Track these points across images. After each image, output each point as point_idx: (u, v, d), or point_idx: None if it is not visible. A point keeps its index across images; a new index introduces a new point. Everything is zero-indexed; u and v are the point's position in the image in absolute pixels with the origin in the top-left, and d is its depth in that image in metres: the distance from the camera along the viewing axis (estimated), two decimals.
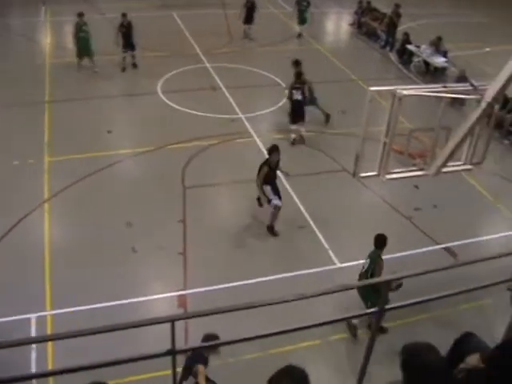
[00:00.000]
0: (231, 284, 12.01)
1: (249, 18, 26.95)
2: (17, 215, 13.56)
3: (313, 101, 18.75)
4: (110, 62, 22.18)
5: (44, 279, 11.86)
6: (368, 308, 9.74)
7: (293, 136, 17.76)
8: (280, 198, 13.71)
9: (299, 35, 27.71)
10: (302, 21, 27.67)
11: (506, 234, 14.60)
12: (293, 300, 4.77)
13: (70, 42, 22.57)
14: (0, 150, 16.48)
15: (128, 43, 21.91)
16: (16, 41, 25.21)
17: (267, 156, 13.64)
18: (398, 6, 26.57)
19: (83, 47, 21.34)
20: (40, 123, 18.02)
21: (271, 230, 13.87)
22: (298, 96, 17.71)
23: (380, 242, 10.86)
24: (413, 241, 13.71)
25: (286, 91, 18.58)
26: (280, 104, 20.01)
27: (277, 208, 13.62)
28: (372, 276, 10.47)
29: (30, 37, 25.65)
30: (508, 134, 19.36)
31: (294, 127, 17.86)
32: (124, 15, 21.72)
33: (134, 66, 22.34)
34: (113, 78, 21.66)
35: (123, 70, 22.30)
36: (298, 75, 18.12)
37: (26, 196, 14.40)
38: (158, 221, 13.81)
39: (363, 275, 10.89)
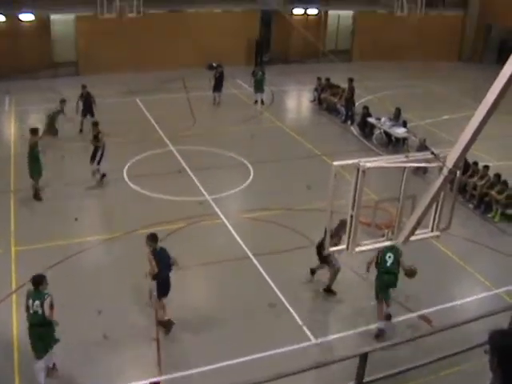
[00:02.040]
0: (206, 368, 11.81)
1: (218, 87, 29.31)
2: None
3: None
4: (77, 148, 22.21)
5: (13, 372, 11.50)
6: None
7: None
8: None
9: (256, 102, 29.10)
10: (258, 89, 29.27)
11: (479, 296, 14.71)
12: (269, 380, 4.69)
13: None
14: None
15: (87, 110, 23.76)
16: None
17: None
18: (351, 80, 27.34)
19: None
20: (6, 212, 17.85)
21: (329, 290, 14.38)
22: None
23: None
24: None
25: None
26: (247, 183, 20.15)
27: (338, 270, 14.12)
28: None
29: None
30: (471, 198, 19.69)
31: None
32: (84, 86, 23.88)
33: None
34: (79, 163, 21.62)
35: (80, 131, 23.95)
36: None
37: None
38: (128, 306, 13.60)
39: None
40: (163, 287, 12.92)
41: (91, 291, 14.16)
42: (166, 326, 12.99)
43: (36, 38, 34.06)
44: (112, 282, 14.54)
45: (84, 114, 24.21)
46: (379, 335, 12.97)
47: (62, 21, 35.14)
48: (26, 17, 33.47)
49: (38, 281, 11.36)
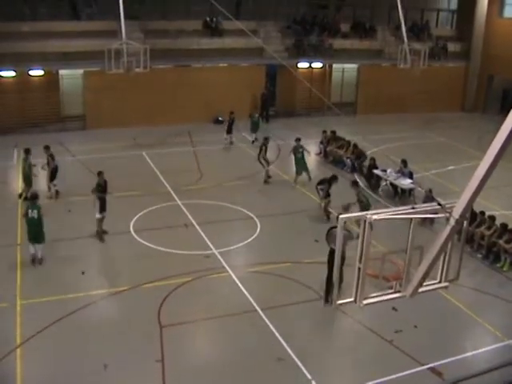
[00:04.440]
0: None
1: (230, 130, 32.01)
2: None
3: None
4: (84, 202, 22.29)
5: None
6: None
7: None
8: None
9: (253, 142, 32.06)
10: (254, 130, 32.93)
11: (490, 347, 14.51)
12: None
13: (42, 184, 22.80)
14: None
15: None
16: None
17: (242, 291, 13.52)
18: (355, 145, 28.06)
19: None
20: (12, 266, 17.81)
21: None
22: None
23: None
24: (396, 364, 13.53)
25: None
26: (253, 237, 20.14)
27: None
28: None
29: (3, 181, 25.88)
30: (479, 248, 19.59)
31: None
32: (47, 147, 23.53)
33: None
34: (86, 218, 21.66)
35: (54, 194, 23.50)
36: None
37: None
38: (135, 361, 13.46)
39: None
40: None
41: (97, 345, 14.05)
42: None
43: (45, 92, 34.59)
44: (118, 336, 14.42)
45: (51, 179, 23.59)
46: None
47: (70, 75, 35.71)
48: (36, 72, 34.06)
49: (35, 196, 18.20)
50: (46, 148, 23.35)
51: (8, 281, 16.89)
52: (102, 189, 19.95)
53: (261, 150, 26.47)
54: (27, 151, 22.61)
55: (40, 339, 14.17)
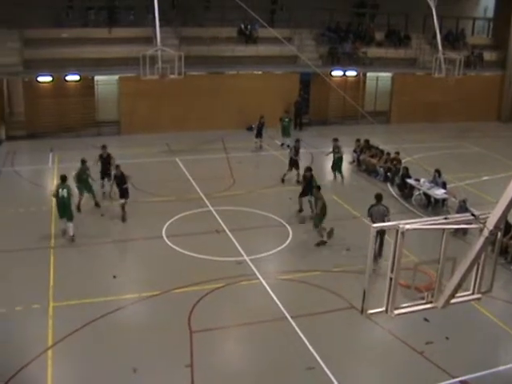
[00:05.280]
0: None
1: (259, 134, 32.35)
2: (20, 362, 13.29)
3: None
4: (118, 207, 22.50)
5: None
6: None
7: None
8: None
9: (282, 144, 32.35)
10: (284, 134, 33.32)
11: None
12: None
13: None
14: (3, 294, 16.43)
15: (106, 173, 23.76)
16: (24, 187, 25.82)
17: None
18: (397, 153, 28.13)
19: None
20: (45, 268, 18.03)
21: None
22: None
23: None
24: (426, 376, 13.38)
25: None
26: (285, 244, 20.13)
27: None
28: None
29: (39, 184, 26.33)
30: None
31: None
32: (104, 147, 24.11)
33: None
34: (119, 222, 21.90)
35: (103, 194, 24.02)
36: None
37: (30, 342, 14.17)
38: (164, 365, 13.51)
39: None
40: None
41: (127, 349, 14.14)
42: None
43: (80, 97, 35.11)
44: (148, 340, 14.47)
45: (102, 177, 24.14)
46: None
47: (105, 81, 36.17)
48: (72, 77, 34.56)
49: (65, 177, 20.08)
50: (103, 147, 23.98)
51: (41, 283, 17.09)
52: (119, 180, 22.09)
53: (291, 151, 26.99)
54: (83, 161, 22.85)
55: (71, 341, 14.30)
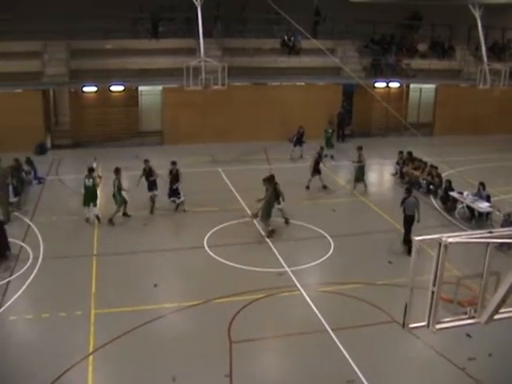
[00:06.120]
0: None
1: (299, 143, 33.26)
2: (62, 366, 13.50)
3: None
4: (160, 216, 22.69)
5: None
6: None
7: None
8: None
9: (326, 155, 30.74)
10: (328, 145, 33.02)
11: None
12: None
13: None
14: (48, 300, 16.75)
15: (154, 184, 23.91)
16: (68, 196, 26.18)
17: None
18: (435, 167, 27.84)
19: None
20: (87, 275, 18.32)
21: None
22: None
23: None
24: None
25: None
26: (326, 256, 20.06)
27: None
28: None
29: (82, 192, 26.54)
30: None
31: None
32: (146, 161, 24.09)
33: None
34: (161, 232, 22.10)
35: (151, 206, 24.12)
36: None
37: (72, 348, 14.39)
38: (203, 374, 13.56)
39: None
40: None
41: (167, 357, 14.21)
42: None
43: (124, 107, 35.65)
44: (188, 349, 14.55)
45: (151, 188, 23.95)
46: None
47: (149, 92, 36.59)
48: (116, 88, 35.09)
49: (91, 169, 22.87)
50: (146, 161, 24.05)
51: (83, 290, 17.35)
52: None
53: (315, 157, 27.57)
54: (117, 171, 22.96)
55: (112, 348, 14.48)
